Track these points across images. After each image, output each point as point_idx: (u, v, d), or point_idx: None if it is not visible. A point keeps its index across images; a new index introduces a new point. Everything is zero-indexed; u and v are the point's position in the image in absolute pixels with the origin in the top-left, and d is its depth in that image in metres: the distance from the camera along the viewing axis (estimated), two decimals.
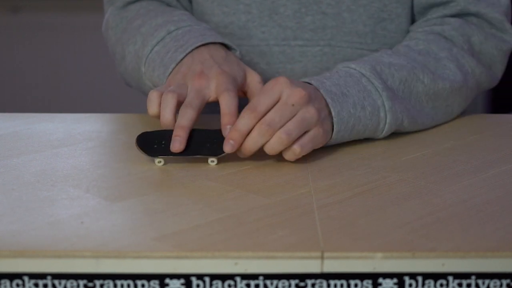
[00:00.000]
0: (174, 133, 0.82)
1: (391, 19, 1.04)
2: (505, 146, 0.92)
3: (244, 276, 0.62)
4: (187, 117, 0.83)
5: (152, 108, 0.86)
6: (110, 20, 1.08)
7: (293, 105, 0.81)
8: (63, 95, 2.71)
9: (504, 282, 0.63)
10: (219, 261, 0.62)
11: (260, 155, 0.85)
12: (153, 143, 0.84)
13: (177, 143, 0.82)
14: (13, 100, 2.71)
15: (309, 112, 0.82)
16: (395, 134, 0.94)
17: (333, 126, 0.86)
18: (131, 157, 0.87)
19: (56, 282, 0.62)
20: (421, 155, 0.88)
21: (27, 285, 0.62)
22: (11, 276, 0.62)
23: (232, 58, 0.92)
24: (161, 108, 0.85)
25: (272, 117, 0.81)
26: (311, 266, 0.62)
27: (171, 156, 0.83)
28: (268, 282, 0.62)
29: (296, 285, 0.63)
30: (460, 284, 0.63)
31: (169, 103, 0.84)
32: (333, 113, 0.86)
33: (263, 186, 0.77)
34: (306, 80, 0.88)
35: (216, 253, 0.62)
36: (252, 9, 1.04)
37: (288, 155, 0.83)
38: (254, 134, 0.81)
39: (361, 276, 0.62)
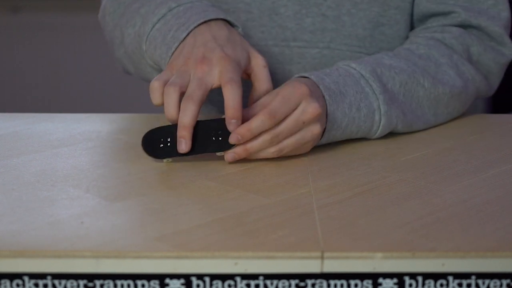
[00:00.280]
0: (178, 133, 0.82)
1: (389, 24, 1.04)
2: (505, 146, 0.92)
3: (244, 276, 0.62)
4: (189, 113, 0.82)
5: (155, 99, 0.84)
6: (107, 6, 1.07)
7: (304, 122, 0.83)
8: (63, 95, 2.71)
9: (504, 282, 0.63)
10: (219, 261, 0.62)
11: None
12: (159, 142, 0.84)
13: (183, 145, 0.82)
14: (13, 100, 2.71)
15: (313, 132, 0.84)
16: (395, 134, 0.94)
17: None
18: (131, 157, 0.87)
19: (56, 282, 0.62)
20: (421, 155, 0.88)
21: (27, 285, 0.62)
22: (11, 276, 0.62)
23: (235, 37, 0.89)
24: (164, 103, 0.84)
25: (281, 130, 0.82)
26: (311, 266, 0.62)
27: (177, 156, 0.83)
28: (268, 282, 0.62)
29: (296, 285, 0.63)
30: (460, 284, 0.63)
31: (172, 97, 0.83)
32: (328, 111, 0.86)
33: (263, 186, 0.77)
34: (306, 75, 0.88)
35: (216, 253, 0.62)
36: (252, 9, 1.04)
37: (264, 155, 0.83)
38: (259, 140, 0.81)
39: (361, 276, 0.62)
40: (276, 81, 0.96)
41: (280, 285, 0.62)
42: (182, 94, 0.83)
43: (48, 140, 0.93)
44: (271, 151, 0.83)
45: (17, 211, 0.71)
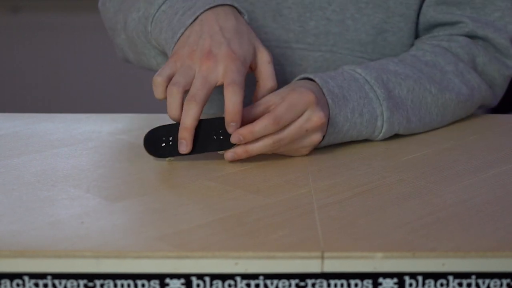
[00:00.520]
0: (179, 134, 0.82)
1: (393, 31, 1.03)
2: (505, 146, 0.92)
3: (244, 276, 0.62)
4: (191, 115, 0.81)
5: (158, 94, 0.84)
6: None
7: (307, 130, 0.83)
8: (63, 95, 2.71)
9: (504, 281, 0.63)
10: (219, 261, 0.62)
11: (260, 155, 0.85)
12: (161, 141, 0.84)
13: (184, 146, 0.82)
14: (13, 100, 2.71)
15: (312, 140, 0.85)
16: (396, 134, 0.94)
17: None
18: (131, 157, 0.87)
19: (56, 282, 0.62)
20: (421, 155, 0.88)
21: (27, 285, 0.62)
22: (11, 276, 0.62)
23: (243, 28, 0.88)
24: (167, 103, 0.83)
25: (284, 136, 0.82)
26: (311, 266, 0.62)
27: (179, 156, 0.83)
28: (268, 282, 0.62)
29: (296, 285, 0.63)
30: (460, 284, 0.63)
31: (175, 98, 0.82)
32: (330, 115, 0.86)
33: (263, 186, 0.77)
34: (311, 76, 0.88)
35: (216, 253, 0.62)
36: (256, 9, 1.04)
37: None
38: (260, 144, 0.81)
39: (361, 276, 0.62)
40: (277, 82, 0.96)
41: (280, 285, 0.62)
42: (185, 92, 0.83)
43: (48, 140, 0.93)
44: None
45: (17, 211, 0.71)
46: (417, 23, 1.05)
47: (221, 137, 0.83)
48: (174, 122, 0.84)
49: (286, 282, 0.62)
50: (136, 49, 1.01)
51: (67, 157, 0.86)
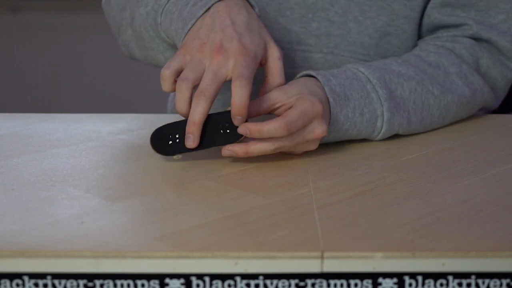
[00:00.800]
0: (187, 129, 0.82)
1: (396, 34, 1.03)
2: (505, 146, 0.92)
3: (244, 276, 0.62)
4: (199, 110, 0.81)
5: (165, 87, 0.84)
6: None
7: (307, 140, 0.83)
8: (63, 95, 2.71)
9: (504, 281, 0.63)
10: (219, 261, 0.62)
11: (260, 155, 0.85)
12: (167, 139, 0.84)
13: (191, 141, 0.82)
14: (13, 100, 2.71)
15: (309, 148, 0.85)
16: (395, 134, 0.94)
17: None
18: (131, 157, 0.87)
19: (56, 282, 0.62)
20: (421, 155, 0.88)
21: (27, 285, 0.62)
22: (11, 276, 0.62)
23: (254, 22, 0.87)
24: (176, 98, 0.83)
25: (286, 144, 0.82)
26: (311, 266, 0.62)
27: (186, 152, 0.83)
28: (268, 282, 0.62)
29: (296, 285, 0.63)
30: (460, 284, 0.63)
31: (184, 94, 0.82)
32: (330, 114, 0.86)
33: (263, 186, 0.77)
34: (313, 73, 0.88)
35: (216, 253, 0.62)
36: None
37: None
38: (261, 147, 0.81)
39: (361, 276, 0.62)
40: None
41: (280, 285, 0.62)
42: (195, 87, 0.83)
43: (48, 140, 0.93)
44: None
45: (17, 211, 0.71)
46: (420, 25, 1.04)
47: (228, 131, 0.82)
48: (179, 120, 0.84)
49: (286, 282, 0.62)
50: (143, 44, 1.00)
51: (67, 157, 0.86)
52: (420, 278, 0.63)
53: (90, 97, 2.69)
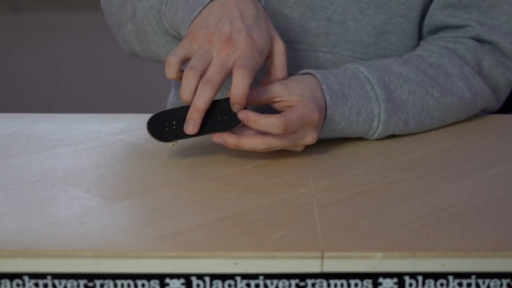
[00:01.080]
0: (188, 115, 0.81)
1: (394, 32, 1.03)
2: (505, 146, 0.92)
3: (244, 276, 0.62)
4: (204, 98, 0.81)
5: (170, 74, 0.83)
6: None
7: (297, 145, 0.84)
8: (63, 95, 2.71)
9: (504, 281, 0.63)
10: (219, 261, 0.62)
11: (260, 155, 0.85)
12: (164, 126, 0.83)
13: (191, 127, 0.81)
14: (13, 100, 2.71)
15: (296, 149, 0.85)
16: (395, 134, 0.94)
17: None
18: (131, 157, 0.87)
19: (56, 282, 0.62)
20: (421, 155, 0.88)
21: (27, 285, 0.62)
22: (11, 276, 0.62)
23: (262, 16, 0.87)
24: (182, 85, 0.82)
25: (277, 145, 0.82)
26: (311, 266, 0.62)
27: (184, 138, 0.82)
28: (268, 282, 0.62)
29: (296, 285, 0.63)
30: (460, 284, 0.63)
31: (190, 83, 0.81)
32: (326, 112, 0.86)
33: (263, 186, 0.77)
34: (312, 71, 0.88)
35: (216, 253, 0.62)
36: None
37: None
38: (253, 142, 0.81)
39: (361, 276, 0.62)
40: None
41: (280, 285, 0.62)
42: (201, 76, 0.83)
43: (48, 140, 0.93)
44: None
45: (17, 211, 0.71)
46: (420, 25, 1.04)
47: (225, 118, 0.82)
48: (177, 107, 0.83)
49: (286, 282, 0.62)
50: (145, 37, 0.99)
51: (67, 157, 0.86)
52: (420, 278, 0.63)
53: (90, 97, 2.69)
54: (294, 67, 1.04)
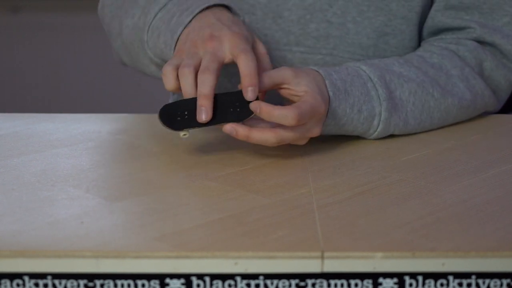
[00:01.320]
0: (198, 103, 0.81)
1: (394, 34, 1.03)
2: (505, 146, 0.92)
3: (244, 276, 0.62)
4: (207, 84, 0.81)
5: (169, 83, 0.84)
6: None
7: (305, 137, 0.84)
8: (63, 95, 2.71)
9: (504, 281, 0.63)
10: (219, 261, 0.62)
11: (260, 155, 0.85)
12: (176, 115, 0.82)
13: (204, 114, 0.81)
14: (13, 100, 2.71)
15: (299, 143, 0.85)
16: (395, 134, 0.94)
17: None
18: (131, 157, 0.87)
19: (56, 282, 0.62)
20: (421, 155, 0.88)
21: (27, 285, 0.62)
22: (11, 276, 0.62)
23: (239, 21, 0.90)
24: (181, 85, 0.83)
25: (287, 138, 0.82)
26: (311, 266, 0.62)
27: (196, 127, 0.81)
28: (268, 282, 0.62)
29: (296, 285, 0.63)
30: (460, 284, 0.63)
31: (188, 78, 0.82)
32: (329, 107, 0.86)
33: (263, 186, 0.77)
34: (315, 68, 0.88)
35: (216, 253, 0.62)
36: (256, 11, 1.03)
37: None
38: (264, 136, 0.81)
39: (361, 276, 0.62)
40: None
41: (280, 285, 0.62)
42: (197, 74, 0.83)
43: (48, 140, 0.93)
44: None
45: (17, 211, 0.71)
46: (419, 26, 1.04)
47: (238, 109, 0.82)
48: (187, 98, 0.83)
49: (286, 282, 0.62)
50: (131, 55, 1.01)
51: (67, 157, 0.86)
52: (420, 278, 0.63)
53: (90, 97, 2.69)
54: None
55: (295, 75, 0.84)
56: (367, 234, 0.66)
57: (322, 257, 0.62)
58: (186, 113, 0.82)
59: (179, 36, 0.88)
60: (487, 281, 0.63)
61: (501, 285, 0.63)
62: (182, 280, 0.62)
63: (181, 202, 0.74)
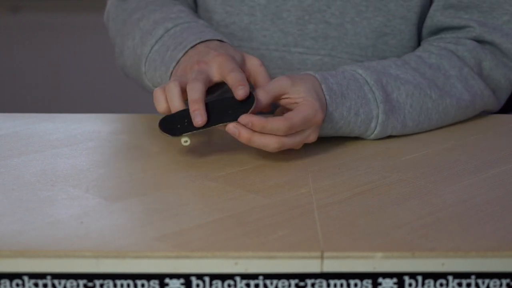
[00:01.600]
0: (190, 109, 0.81)
1: (393, 34, 1.03)
2: (505, 146, 0.92)
3: (244, 276, 0.62)
4: (196, 89, 0.82)
5: (160, 106, 0.84)
6: (110, 11, 1.08)
7: (304, 142, 0.85)
8: (63, 95, 2.71)
9: (504, 281, 0.63)
10: (219, 261, 0.62)
11: (260, 155, 0.85)
12: (175, 123, 0.83)
13: (198, 117, 0.81)
14: (13, 100, 2.71)
15: (296, 147, 0.85)
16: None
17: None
18: (131, 157, 0.87)
19: (56, 282, 0.62)
20: (421, 155, 0.88)
21: (27, 285, 0.62)
22: (11, 276, 0.62)
23: (228, 45, 0.91)
24: (167, 98, 0.84)
25: (287, 143, 0.82)
26: (311, 266, 0.62)
27: (195, 131, 0.81)
28: (268, 282, 0.62)
29: (296, 285, 0.63)
30: (460, 284, 0.63)
31: (173, 90, 0.83)
32: (326, 111, 0.86)
33: (263, 186, 0.77)
34: (311, 73, 0.88)
35: (216, 253, 0.62)
36: (255, 12, 1.03)
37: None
38: (266, 140, 0.81)
39: (361, 276, 0.62)
40: None
41: (280, 284, 0.62)
42: (184, 91, 0.83)
43: (48, 140, 0.93)
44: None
45: (17, 211, 0.71)
46: (418, 26, 1.04)
47: (236, 111, 0.82)
48: (185, 109, 0.83)
49: (286, 282, 0.62)
50: (133, 74, 1.03)
51: (67, 157, 0.86)
52: (420, 278, 0.63)
53: (90, 97, 2.69)
54: (292, 71, 1.04)
55: (293, 83, 0.84)
56: (367, 234, 0.66)
57: (322, 257, 0.62)
58: (185, 120, 0.82)
59: (172, 71, 0.91)
60: (486, 281, 0.63)
61: (501, 285, 0.63)
62: (182, 280, 0.62)
63: (181, 202, 0.74)
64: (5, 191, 0.76)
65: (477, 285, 0.63)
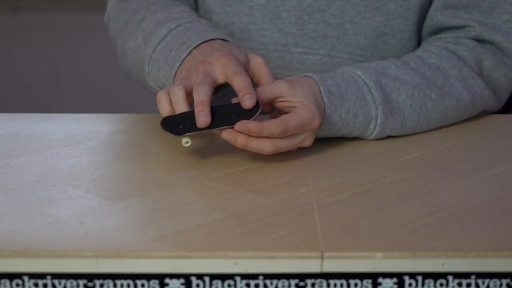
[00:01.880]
0: (196, 110, 0.81)
1: (392, 34, 1.03)
2: (505, 146, 0.92)
3: (244, 276, 0.62)
4: (202, 93, 0.82)
5: (164, 109, 0.84)
6: (111, 12, 1.08)
7: (299, 146, 0.85)
8: (63, 95, 2.71)
9: (504, 281, 0.63)
10: (219, 261, 0.62)
11: (260, 155, 0.85)
12: (178, 123, 0.83)
13: (202, 117, 0.81)
14: (13, 100, 2.71)
15: (291, 149, 0.85)
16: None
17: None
18: (131, 157, 0.87)
19: (56, 282, 0.62)
20: (421, 155, 0.88)
21: (27, 285, 0.62)
22: (11, 276, 0.62)
23: (231, 45, 0.90)
24: (172, 101, 0.83)
25: (282, 147, 0.83)
26: (311, 266, 0.62)
27: (197, 132, 0.81)
28: (268, 282, 0.62)
29: (296, 285, 0.63)
30: (460, 284, 0.63)
31: (178, 94, 0.83)
32: (324, 113, 0.86)
33: (263, 186, 0.77)
34: (310, 74, 0.88)
35: (216, 253, 0.62)
36: (255, 12, 1.03)
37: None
38: (262, 144, 0.81)
39: (361, 276, 0.62)
40: None
41: (280, 285, 0.62)
42: (189, 94, 0.83)
43: (48, 140, 0.93)
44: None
45: (17, 211, 0.71)
46: (418, 26, 1.04)
47: (239, 116, 0.81)
48: (188, 111, 0.83)
49: (286, 282, 0.62)
50: (136, 75, 1.03)
51: (67, 157, 0.86)
52: (420, 278, 0.63)
53: (90, 97, 2.69)
54: (292, 71, 1.04)
55: (290, 88, 0.84)
56: (367, 234, 0.66)
57: (322, 257, 0.62)
58: (187, 121, 0.82)
59: (176, 70, 0.90)
60: (486, 281, 0.63)
61: (501, 285, 0.63)
62: (182, 280, 0.62)
63: (181, 202, 0.74)
64: (5, 191, 0.76)
65: (477, 285, 0.63)
